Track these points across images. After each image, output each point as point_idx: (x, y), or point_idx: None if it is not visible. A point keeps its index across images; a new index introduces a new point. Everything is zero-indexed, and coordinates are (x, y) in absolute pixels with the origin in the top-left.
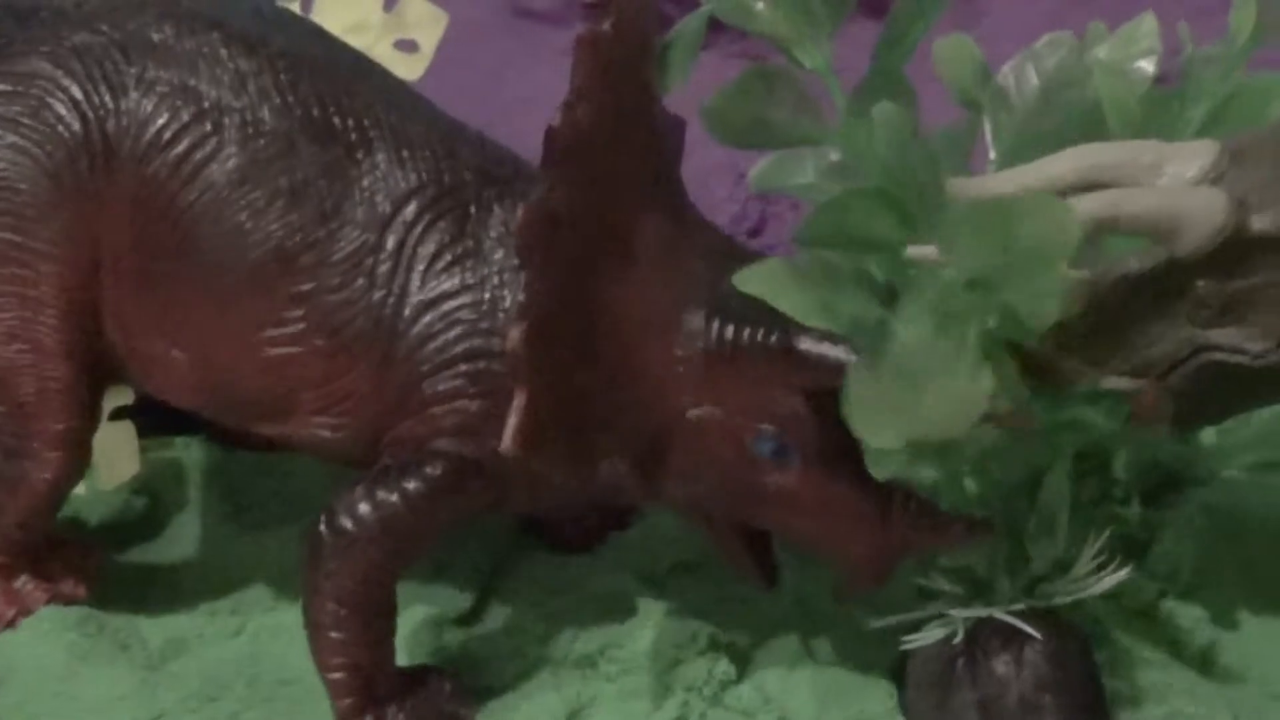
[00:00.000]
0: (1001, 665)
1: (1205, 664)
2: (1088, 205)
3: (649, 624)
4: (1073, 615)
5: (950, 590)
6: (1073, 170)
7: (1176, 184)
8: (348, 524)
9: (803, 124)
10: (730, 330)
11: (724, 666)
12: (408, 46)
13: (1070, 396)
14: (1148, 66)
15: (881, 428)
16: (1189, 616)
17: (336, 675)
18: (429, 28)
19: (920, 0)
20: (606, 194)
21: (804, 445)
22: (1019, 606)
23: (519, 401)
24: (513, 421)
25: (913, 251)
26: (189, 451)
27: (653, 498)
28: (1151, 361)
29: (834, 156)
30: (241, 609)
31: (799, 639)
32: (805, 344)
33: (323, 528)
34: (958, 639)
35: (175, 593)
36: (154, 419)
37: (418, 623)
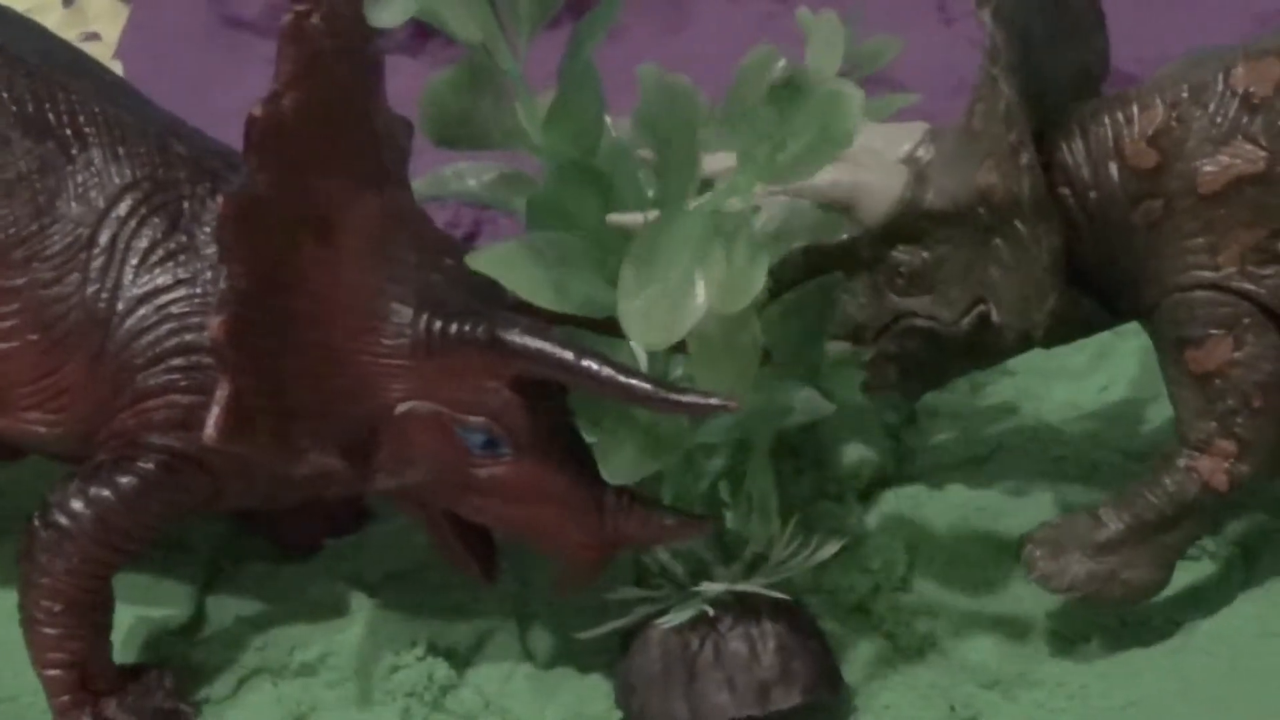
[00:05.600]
0: (743, 641)
1: (921, 656)
2: None
3: (367, 631)
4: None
5: (658, 588)
6: None
7: (865, 158)
8: (61, 519)
9: (502, 122)
10: (438, 324)
11: (443, 671)
12: (93, 39)
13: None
14: None
15: None
16: (904, 609)
17: (53, 672)
18: (110, 20)
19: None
20: (311, 184)
21: (515, 437)
22: (748, 585)
23: (222, 392)
24: (216, 411)
25: (612, 219)
26: None
27: (366, 488)
28: (861, 325)
29: (490, 175)
30: None
31: (517, 642)
32: (511, 335)
33: (37, 523)
34: (710, 613)
35: None
36: None
37: (134, 634)
